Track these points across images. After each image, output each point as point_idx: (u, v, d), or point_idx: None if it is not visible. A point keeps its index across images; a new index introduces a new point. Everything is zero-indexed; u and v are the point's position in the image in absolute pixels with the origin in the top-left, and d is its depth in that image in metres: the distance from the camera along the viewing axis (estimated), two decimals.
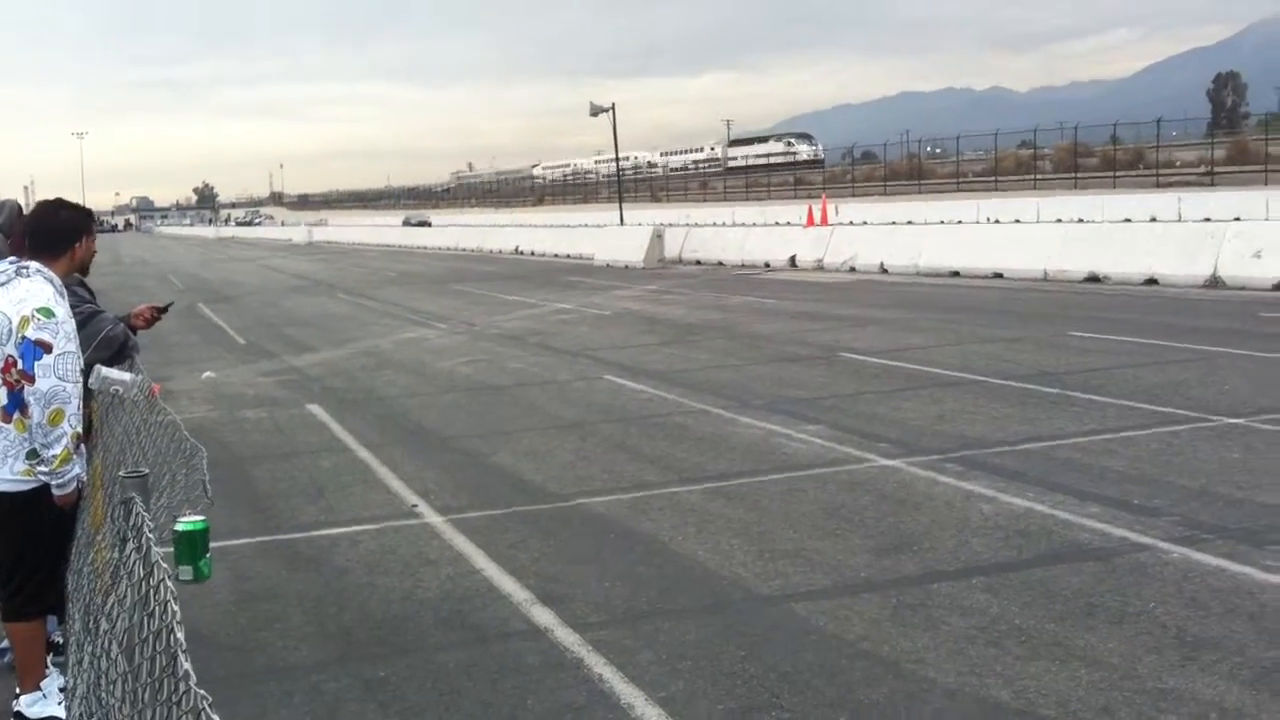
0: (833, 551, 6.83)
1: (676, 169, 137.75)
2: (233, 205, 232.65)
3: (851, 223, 43.09)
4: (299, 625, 6.11)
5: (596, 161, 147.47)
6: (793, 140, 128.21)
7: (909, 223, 39.01)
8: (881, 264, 28.74)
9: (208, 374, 15.91)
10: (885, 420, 10.48)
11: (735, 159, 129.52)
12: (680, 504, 8.06)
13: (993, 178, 79.81)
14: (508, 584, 6.54)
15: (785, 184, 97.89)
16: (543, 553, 7.12)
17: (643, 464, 9.36)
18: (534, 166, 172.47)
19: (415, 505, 8.40)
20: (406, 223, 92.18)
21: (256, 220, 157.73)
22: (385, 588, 6.61)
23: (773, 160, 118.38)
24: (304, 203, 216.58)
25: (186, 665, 2.57)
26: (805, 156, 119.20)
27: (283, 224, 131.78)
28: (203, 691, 2.26)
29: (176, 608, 2.73)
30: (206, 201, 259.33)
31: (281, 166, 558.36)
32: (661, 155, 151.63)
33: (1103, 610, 5.64)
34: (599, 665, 5.32)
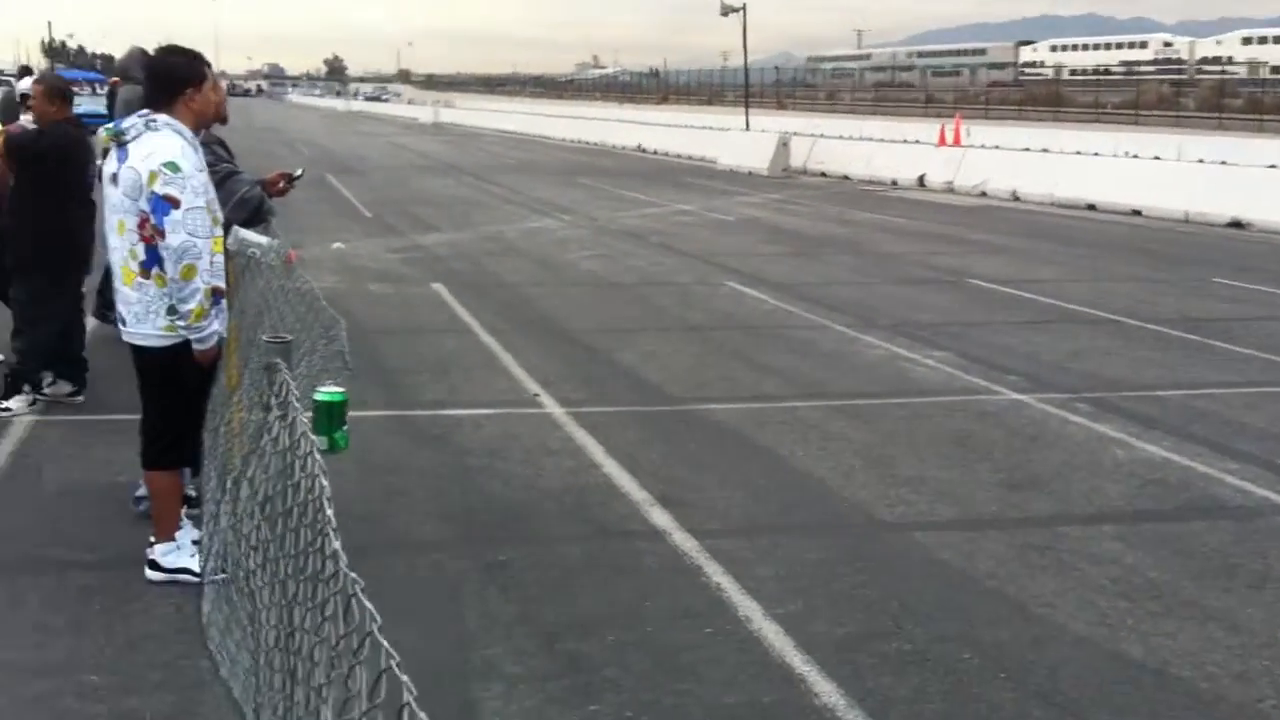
0: (959, 482, 6.69)
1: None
2: (361, 79, 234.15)
3: (984, 146, 41.93)
4: (422, 501, 6.18)
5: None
6: None
7: (1044, 150, 37.83)
8: (1014, 191, 27.92)
9: (337, 244, 16.11)
10: (1015, 353, 10.21)
11: None
12: (801, 419, 7.95)
13: (1133, 111, 76.92)
14: (626, 482, 6.52)
15: (916, 100, 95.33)
16: (662, 455, 7.09)
17: (763, 375, 9.26)
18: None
19: (537, 394, 8.41)
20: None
21: (385, 96, 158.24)
22: (507, 473, 6.64)
23: None
24: (431, 83, 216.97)
25: (336, 544, 2.53)
26: None
27: (410, 102, 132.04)
28: (354, 575, 2.23)
29: (325, 482, 2.70)
30: (336, 74, 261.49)
31: (410, 44, 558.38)
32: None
33: (1243, 572, 5.44)
34: (716, 574, 5.29)
